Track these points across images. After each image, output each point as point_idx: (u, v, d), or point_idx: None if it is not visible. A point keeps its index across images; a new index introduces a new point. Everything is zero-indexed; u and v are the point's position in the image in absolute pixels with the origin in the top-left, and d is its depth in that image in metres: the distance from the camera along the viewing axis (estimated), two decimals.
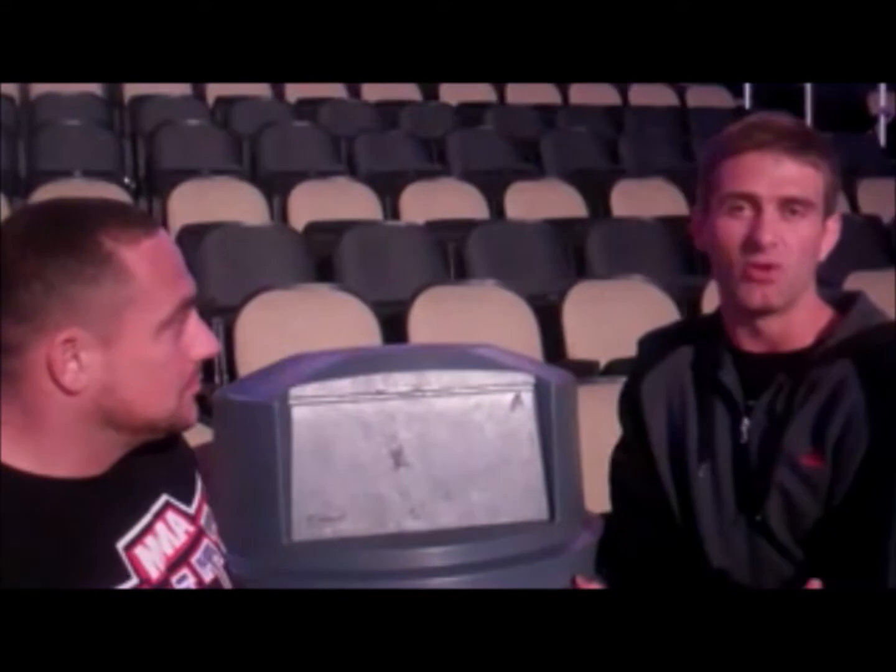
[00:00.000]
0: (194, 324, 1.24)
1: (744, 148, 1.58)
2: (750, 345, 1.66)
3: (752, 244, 1.57)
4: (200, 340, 1.24)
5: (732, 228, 1.59)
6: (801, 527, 1.60)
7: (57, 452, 1.18)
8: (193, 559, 1.29)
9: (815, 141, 1.62)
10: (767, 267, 1.57)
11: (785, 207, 1.57)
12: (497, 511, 2.04)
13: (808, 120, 8.78)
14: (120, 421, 1.19)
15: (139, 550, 1.22)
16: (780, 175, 1.57)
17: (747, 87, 9.46)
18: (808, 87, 8.97)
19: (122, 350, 1.17)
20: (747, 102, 9.35)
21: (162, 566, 1.24)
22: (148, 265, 1.18)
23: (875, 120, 8.96)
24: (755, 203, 1.57)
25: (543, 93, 8.48)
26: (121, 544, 1.21)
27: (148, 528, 1.25)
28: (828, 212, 1.62)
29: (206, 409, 2.65)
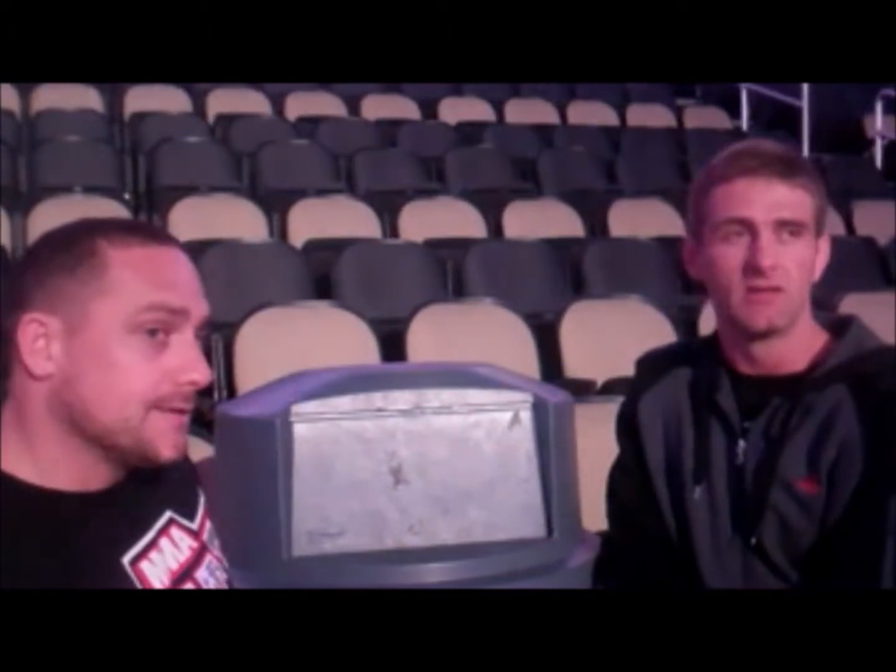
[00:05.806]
0: (189, 347, 1.22)
1: (733, 175, 1.59)
2: (746, 367, 1.66)
3: (752, 269, 1.57)
4: (191, 365, 1.21)
5: (730, 255, 1.60)
6: (796, 549, 1.60)
7: (49, 460, 1.20)
8: (197, 574, 1.30)
9: (802, 164, 1.63)
10: (769, 290, 1.58)
11: (780, 230, 1.59)
12: (495, 528, 2.06)
13: (806, 142, 8.82)
14: (79, 421, 1.19)
15: (144, 565, 1.24)
16: (772, 199, 1.58)
17: (744, 109, 9.51)
18: (806, 109, 9.00)
19: (84, 341, 1.18)
20: (744, 124, 9.38)
21: (167, 581, 1.25)
22: (131, 267, 1.20)
23: (872, 142, 9.00)
24: (751, 228, 1.58)
25: (542, 112, 8.52)
26: (126, 559, 1.22)
27: (152, 544, 1.26)
28: (818, 233, 1.64)
29: (206, 424, 2.67)
